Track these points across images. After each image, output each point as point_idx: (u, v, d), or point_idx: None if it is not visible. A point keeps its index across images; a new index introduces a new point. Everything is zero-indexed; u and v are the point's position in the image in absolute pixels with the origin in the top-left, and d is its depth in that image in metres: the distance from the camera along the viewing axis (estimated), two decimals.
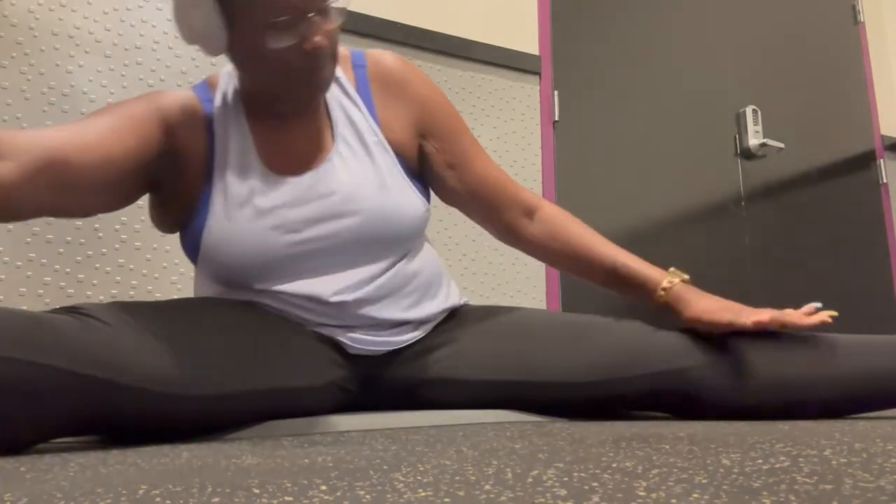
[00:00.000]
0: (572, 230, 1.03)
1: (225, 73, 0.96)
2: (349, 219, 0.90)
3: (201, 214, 0.90)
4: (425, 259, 0.99)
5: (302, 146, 0.93)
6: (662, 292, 0.93)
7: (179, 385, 0.72)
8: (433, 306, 0.99)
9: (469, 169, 1.02)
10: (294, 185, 0.90)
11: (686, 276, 0.95)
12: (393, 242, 0.93)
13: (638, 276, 0.96)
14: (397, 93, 0.99)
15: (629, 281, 0.97)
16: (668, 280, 0.94)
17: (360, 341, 0.92)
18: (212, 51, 0.85)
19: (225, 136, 0.91)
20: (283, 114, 0.93)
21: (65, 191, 0.78)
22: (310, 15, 0.82)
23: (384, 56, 1.00)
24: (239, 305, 0.88)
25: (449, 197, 1.04)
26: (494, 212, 1.04)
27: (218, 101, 0.93)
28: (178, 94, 0.91)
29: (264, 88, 0.90)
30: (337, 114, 0.95)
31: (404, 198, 0.94)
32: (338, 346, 0.93)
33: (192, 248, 0.92)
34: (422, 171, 1.03)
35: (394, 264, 0.94)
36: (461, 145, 1.03)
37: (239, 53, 0.86)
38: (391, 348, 0.95)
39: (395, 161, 0.96)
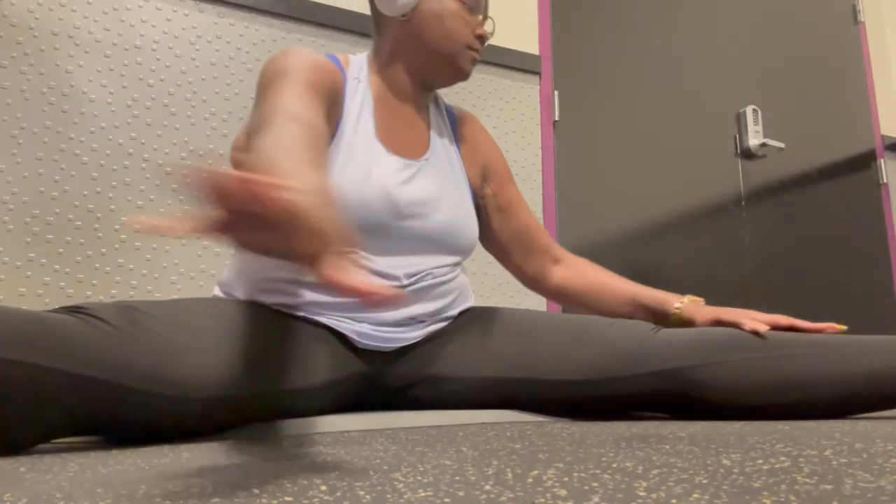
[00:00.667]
0: (595, 272, 1.15)
1: (354, 58, 1.05)
2: (439, 214, 0.99)
3: None
4: (461, 275, 1.08)
5: (411, 136, 1.04)
6: (676, 309, 1.04)
7: (180, 388, 0.71)
8: (455, 313, 1.03)
9: (514, 215, 1.15)
10: (404, 166, 0.99)
11: (698, 298, 1.06)
12: (459, 249, 1.02)
13: (656, 298, 1.07)
14: (473, 139, 1.14)
15: (648, 305, 1.08)
16: (680, 300, 1.05)
17: (370, 337, 0.93)
18: (395, 9, 0.99)
19: (353, 102, 0.99)
20: (407, 97, 1.04)
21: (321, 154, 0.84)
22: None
23: (462, 108, 1.18)
24: (244, 304, 0.87)
25: (490, 238, 1.16)
26: (527, 257, 1.16)
27: (350, 73, 1.02)
28: (324, 57, 0.98)
29: (418, 61, 1.02)
30: (433, 129, 1.08)
31: (474, 215, 1.06)
32: (344, 343, 0.93)
33: None
34: (476, 208, 1.15)
35: (445, 267, 1.01)
36: (511, 193, 1.16)
37: (417, 20, 1.00)
38: (399, 345, 0.95)
39: (468, 188, 1.08)
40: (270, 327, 0.86)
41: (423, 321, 0.98)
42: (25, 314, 0.64)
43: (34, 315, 0.65)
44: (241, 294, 0.94)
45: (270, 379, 0.81)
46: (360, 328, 0.92)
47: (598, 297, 1.13)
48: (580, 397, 0.92)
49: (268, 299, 0.91)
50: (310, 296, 0.91)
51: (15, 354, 0.60)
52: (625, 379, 0.90)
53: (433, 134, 1.07)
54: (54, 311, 0.71)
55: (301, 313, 0.92)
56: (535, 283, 1.18)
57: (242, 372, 0.78)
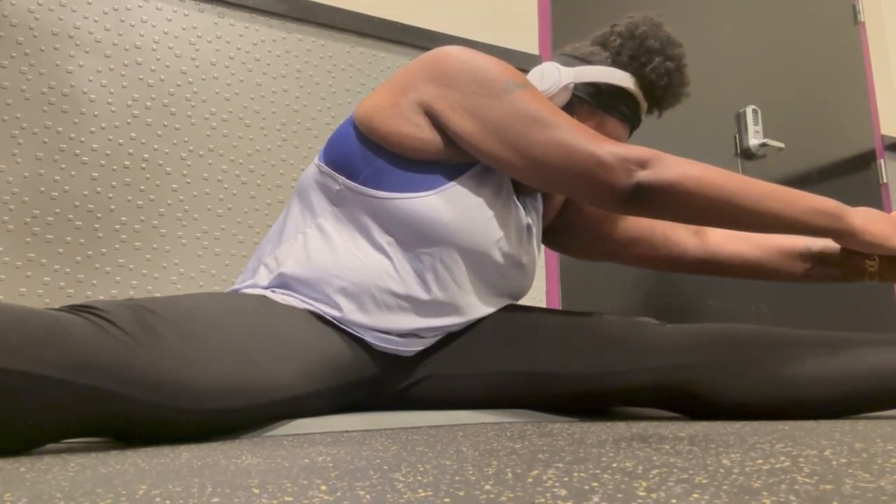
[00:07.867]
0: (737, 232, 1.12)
1: None
2: (525, 256, 1.02)
3: (455, 172, 0.94)
4: None
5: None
6: (871, 266, 0.97)
7: (188, 400, 0.70)
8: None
9: (615, 221, 1.17)
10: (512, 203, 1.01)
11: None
12: (519, 294, 1.05)
13: (839, 250, 1.00)
14: None
15: (831, 255, 1.02)
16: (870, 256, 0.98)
17: (389, 341, 0.93)
18: (557, 98, 1.03)
19: None
20: None
21: None
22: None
23: None
24: (257, 302, 0.86)
25: (603, 250, 1.19)
26: (653, 244, 1.17)
27: None
28: None
29: None
30: None
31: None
32: (361, 345, 0.93)
33: (406, 186, 0.92)
34: (563, 235, 1.20)
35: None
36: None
37: (579, 118, 1.06)
38: (417, 349, 0.95)
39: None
40: (288, 327, 0.85)
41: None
42: (35, 317, 0.63)
43: (44, 318, 0.63)
44: (305, 295, 0.92)
45: (280, 388, 0.79)
46: (380, 334, 0.92)
47: (762, 256, 1.08)
48: (583, 392, 0.92)
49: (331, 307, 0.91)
50: (399, 317, 0.91)
51: (21, 365, 0.59)
52: (628, 373, 0.90)
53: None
54: (65, 309, 0.70)
55: (336, 322, 0.91)
56: (674, 260, 1.16)
57: (252, 382, 0.76)
